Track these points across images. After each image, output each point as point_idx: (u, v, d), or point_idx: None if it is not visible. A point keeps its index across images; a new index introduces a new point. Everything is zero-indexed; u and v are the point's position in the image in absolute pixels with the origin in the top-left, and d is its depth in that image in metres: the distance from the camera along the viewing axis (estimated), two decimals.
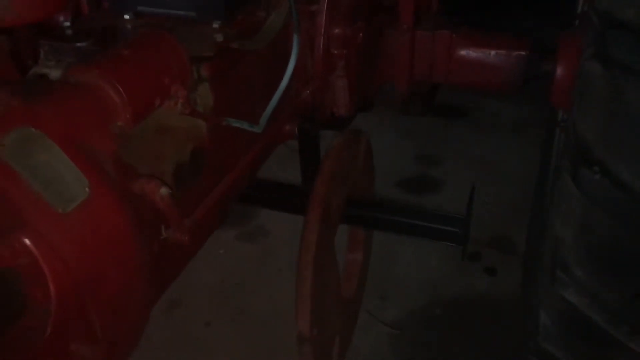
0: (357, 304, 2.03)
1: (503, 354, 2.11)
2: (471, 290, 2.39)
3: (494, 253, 2.56)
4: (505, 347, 2.12)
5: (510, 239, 2.62)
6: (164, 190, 1.06)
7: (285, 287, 1.64)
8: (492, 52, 1.94)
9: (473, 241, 2.55)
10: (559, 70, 1.81)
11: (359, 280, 2.02)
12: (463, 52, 1.98)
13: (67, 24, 1.38)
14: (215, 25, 1.40)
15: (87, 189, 0.90)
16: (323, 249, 1.56)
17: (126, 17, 1.48)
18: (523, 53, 1.91)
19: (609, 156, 1.21)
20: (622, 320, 1.32)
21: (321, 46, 1.64)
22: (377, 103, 2.24)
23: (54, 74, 1.22)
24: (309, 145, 1.75)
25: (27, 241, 0.84)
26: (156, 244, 1.10)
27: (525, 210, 2.38)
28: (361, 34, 1.74)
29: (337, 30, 1.66)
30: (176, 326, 2.28)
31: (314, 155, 1.76)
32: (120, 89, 1.03)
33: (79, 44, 1.33)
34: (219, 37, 1.36)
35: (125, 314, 0.99)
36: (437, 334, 2.22)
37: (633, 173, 1.18)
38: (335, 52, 1.67)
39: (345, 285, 1.93)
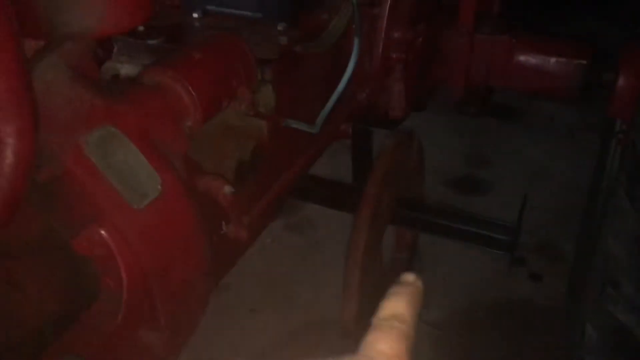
0: None
1: None
2: (514, 295, 2.38)
3: (539, 259, 2.54)
4: (548, 355, 2.12)
5: (558, 246, 2.59)
6: (227, 189, 1.12)
7: (331, 278, 1.69)
8: (552, 59, 1.92)
9: (519, 246, 2.55)
10: (621, 81, 1.78)
11: None
12: (522, 58, 1.96)
13: None
14: (280, 27, 1.44)
15: (159, 187, 0.96)
16: (371, 249, 1.59)
17: (195, 15, 1.54)
18: (584, 62, 1.88)
19: None
20: None
21: (380, 50, 1.66)
22: (430, 102, 2.25)
23: (125, 69, 1.29)
24: (361, 145, 1.78)
25: (103, 233, 0.90)
26: (216, 239, 1.16)
27: (574, 217, 2.35)
28: (421, 38, 1.75)
29: (397, 34, 1.68)
30: (222, 310, 2.36)
31: (367, 154, 1.79)
32: (192, 91, 1.08)
33: (150, 42, 1.40)
34: (284, 40, 1.40)
35: (186, 305, 1.06)
36: (478, 337, 2.23)
37: None
38: (394, 55, 1.68)
39: (389, 284, 1.96)
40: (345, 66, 1.46)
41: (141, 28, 1.43)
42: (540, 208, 2.72)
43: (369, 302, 1.65)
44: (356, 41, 1.46)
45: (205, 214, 1.10)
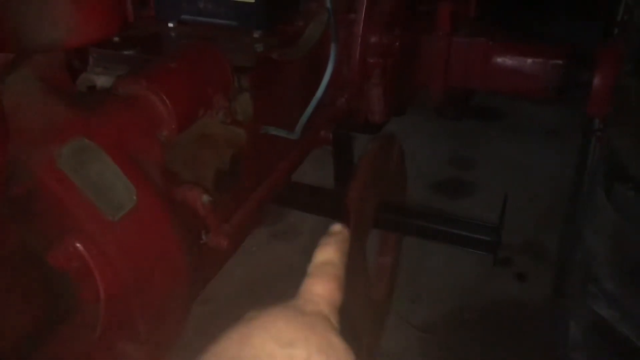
0: (387, 306, 2.05)
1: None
2: (501, 295, 2.39)
3: (525, 259, 2.55)
4: (534, 355, 2.12)
5: (543, 245, 2.61)
6: (205, 198, 1.11)
7: None
8: (529, 60, 1.94)
9: (504, 246, 2.55)
10: (597, 81, 1.80)
11: (389, 283, 2.05)
12: (499, 60, 1.98)
13: None
14: (256, 34, 1.45)
15: (134, 197, 0.96)
16: (354, 255, 1.59)
17: (170, 25, 1.54)
18: (560, 62, 1.90)
19: None
20: None
21: (357, 55, 1.66)
22: (413, 106, 2.26)
23: (101, 80, 1.29)
24: (342, 150, 1.78)
25: (79, 246, 0.89)
26: (196, 249, 1.15)
27: (558, 216, 2.37)
28: (398, 43, 1.76)
29: (374, 39, 1.68)
30: (207, 321, 2.34)
31: (348, 159, 1.80)
32: (167, 100, 1.08)
33: (126, 52, 1.40)
34: (260, 47, 1.40)
35: (166, 316, 1.05)
36: (466, 339, 2.23)
37: None
38: (372, 60, 1.69)
39: (374, 288, 1.96)
40: (324, 72, 1.46)
41: (117, 39, 1.43)
42: (524, 208, 2.74)
43: (353, 307, 1.64)
44: (333, 47, 1.47)
45: (184, 224, 1.10)
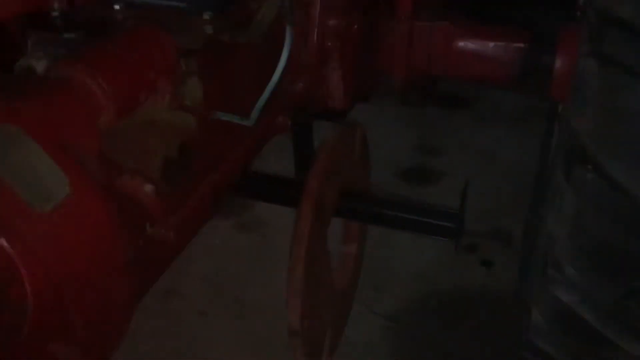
0: (351, 296, 2.02)
1: (497, 347, 2.11)
2: (467, 282, 2.39)
3: (491, 245, 2.55)
4: (500, 341, 2.12)
5: (508, 231, 2.61)
6: (148, 187, 1.05)
7: (281, 278, 1.65)
8: (491, 44, 1.92)
9: (470, 233, 2.55)
10: (558, 64, 1.78)
11: (353, 272, 2.01)
12: (461, 44, 1.95)
13: (56, 14, 1.36)
14: (206, 16, 1.38)
15: (67, 187, 0.89)
16: (315, 243, 1.55)
17: (116, 7, 1.46)
18: (522, 45, 1.88)
19: (602, 155, 1.19)
20: (613, 319, 1.31)
21: (315, 38, 1.61)
22: (377, 93, 2.22)
23: (41, 65, 1.21)
24: (302, 137, 1.74)
25: (3, 242, 0.83)
26: (141, 241, 1.09)
27: (524, 203, 2.36)
28: (356, 26, 1.71)
29: (331, 22, 1.63)
30: (171, 315, 2.29)
31: (308, 147, 1.75)
32: (104, 84, 1.01)
33: (67, 35, 1.31)
34: (209, 29, 1.34)
35: (107, 314, 0.99)
36: (432, 326, 2.22)
37: (627, 172, 1.16)
38: (330, 44, 1.64)
39: (338, 277, 1.92)
40: (280, 56, 1.41)
41: (59, 22, 1.35)
42: (491, 195, 2.74)
43: (316, 297, 1.60)
44: (288, 29, 1.41)
45: (126, 215, 1.03)
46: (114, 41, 1.11)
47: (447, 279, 2.39)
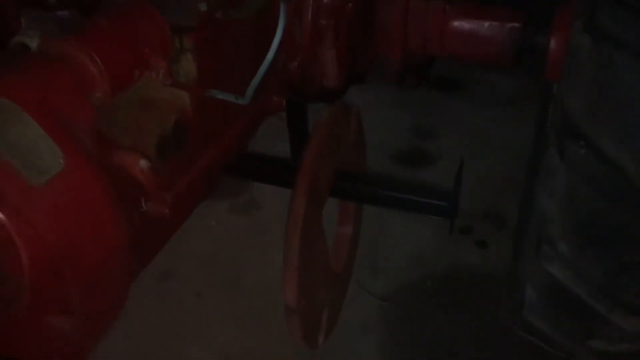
0: (347, 276, 2.04)
1: (492, 326, 2.13)
2: (462, 263, 2.40)
3: (486, 226, 2.55)
4: (495, 320, 2.14)
5: (503, 212, 2.61)
6: (143, 163, 1.05)
7: (277, 259, 1.65)
8: (486, 24, 1.91)
9: (465, 214, 2.56)
10: (553, 43, 1.78)
11: (349, 253, 2.02)
12: (457, 24, 1.95)
13: None
14: None
15: (61, 161, 0.90)
16: (310, 223, 1.56)
17: None
18: (517, 25, 1.88)
19: (595, 131, 1.20)
20: (605, 294, 1.33)
21: (309, 16, 1.61)
22: (372, 75, 2.22)
23: (35, 43, 1.20)
24: (297, 118, 1.74)
25: None
26: (137, 217, 1.10)
27: (519, 184, 2.37)
28: (351, 4, 1.71)
29: (325, 0, 1.63)
30: (167, 296, 2.29)
31: (302, 128, 1.75)
32: (98, 59, 1.01)
33: (60, 13, 1.31)
34: (203, 7, 1.33)
35: (103, 287, 1.00)
36: (426, 306, 2.23)
37: (618, 148, 1.17)
38: (324, 22, 1.64)
39: (334, 258, 1.94)
40: (274, 34, 1.40)
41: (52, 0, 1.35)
42: (485, 176, 2.74)
43: (312, 277, 1.62)
44: (282, 6, 1.40)
45: (121, 191, 1.04)
46: (107, 17, 1.11)
47: (442, 260, 2.40)
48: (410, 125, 3.11)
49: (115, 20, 1.11)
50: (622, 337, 1.38)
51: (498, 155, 2.88)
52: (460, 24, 1.94)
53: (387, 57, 2.07)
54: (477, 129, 3.05)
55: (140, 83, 1.14)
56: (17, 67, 0.95)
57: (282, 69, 1.65)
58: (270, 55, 1.40)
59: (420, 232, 2.47)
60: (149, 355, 2.10)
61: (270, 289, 2.22)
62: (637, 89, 1.10)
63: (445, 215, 1.64)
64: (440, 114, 3.18)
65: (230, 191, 2.71)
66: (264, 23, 1.50)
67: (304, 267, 1.53)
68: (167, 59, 1.16)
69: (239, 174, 1.81)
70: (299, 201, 1.52)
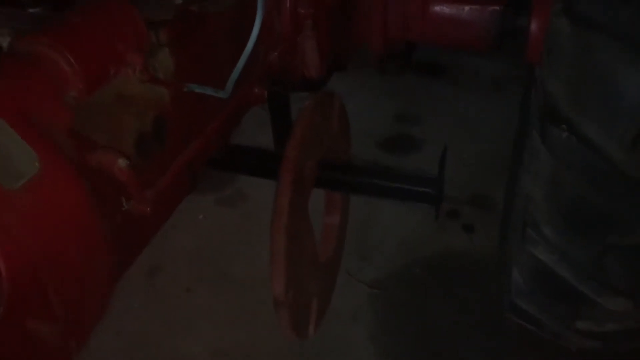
0: (336, 266, 2.03)
1: (481, 310, 2.15)
2: (450, 248, 2.41)
3: (472, 211, 2.57)
4: (484, 304, 2.15)
5: (489, 196, 2.63)
6: (121, 162, 1.04)
7: (265, 251, 1.65)
8: (466, 8, 1.90)
9: (451, 199, 2.57)
10: (533, 26, 1.78)
11: (337, 243, 2.02)
12: (437, 9, 1.94)
13: None
14: None
15: (36, 164, 0.88)
16: (296, 213, 1.55)
17: None
18: (497, 8, 1.87)
19: (576, 114, 1.20)
20: (590, 276, 1.34)
21: (288, 6, 1.59)
22: (354, 63, 2.20)
23: (6, 42, 1.18)
24: (279, 109, 1.72)
25: None
26: (119, 217, 1.08)
27: (505, 168, 2.38)
28: None
29: None
30: (156, 292, 2.29)
31: (285, 119, 1.73)
32: (70, 57, 0.99)
33: (32, 10, 1.28)
34: (178, 0, 1.31)
35: (85, 289, 0.98)
36: (416, 293, 2.24)
37: (600, 131, 1.17)
38: (303, 11, 1.62)
39: (322, 248, 1.93)
40: (253, 25, 1.38)
41: None
42: (471, 161, 2.75)
43: (300, 268, 1.61)
44: None
45: (101, 191, 1.02)
46: (80, 14, 1.08)
47: (430, 245, 2.41)
48: (395, 111, 3.10)
49: (89, 17, 1.08)
50: (608, 317, 1.40)
51: (483, 140, 2.88)
52: (441, 9, 1.93)
53: (369, 44, 2.06)
54: (461, 114, 3.05)
55: (117, 80, 1.12)
56: None
57: (262, 60, 1.63)
58: (249, 46, 1.38)
59: (408, 219, 2.47)
60: (139, 352, 2.09)
61: (259, 281, 2.22)
62: (616, 72, 1.10)
63: (430, 201, 1.64)
64: (425, 100, 3.17)
65: (216, 184, 2.70)
66: (242, 14, 1.48)
67: (290, 258, 1.52)
68: (143, 55, 1.13)
69: (223, 168, 1.80)
70: (283, 192, 1.50)
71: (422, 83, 3.28)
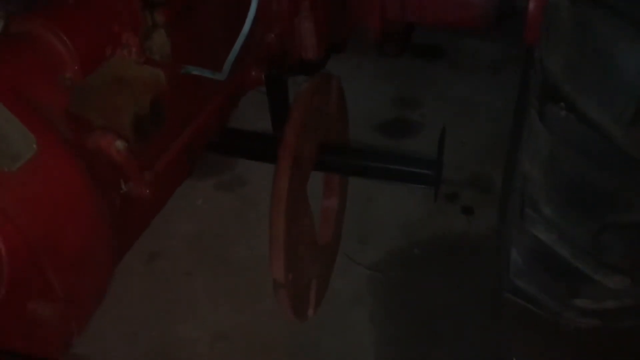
0: (335, 248, 2.04)
1: (480, 291, 2.16)
2: (449, 230, 2.41)
3: (472, 193, 2.57)
4: (483, 284, 2.16)
5: (489, 177, 2.63)
6: (119, 143, 1.03)
7: (265, 235, 1.65)
8: None
9: (451, 182, 2.57)
10: (531, 5, 1.76)
11: (336, 226, 2.02)
12: None
13: None
14: None
15: (34, 146, 0.87)
16: (295, 197, 1.55)
17: None
18: None
19: (575, 92, 1.19)
20: (589, 254, 1.34)
21: None
22: (352, 45, 2.19)
23: (0, 25, 1.17)
24: (277, 92, 1.71)
25: None
26: (117, 199, 1.08)
27: (503, 149, 2.38)
28: None
29: None
30: (156, 277, 2.29)
31: (283, 102, 1.73)
32: (66, 38, 0.98)
33: None
34: None
35: (85, 271, 0.98)
36: (416, 274, 2.25)
37: (598, 109, 1.16)
38: None
39: (321, 231, 1.94)
40: (249, 6, 1.37)
41: None
42: (470, 143, 2.75)
43: (299, 251, 1.62)
44: None
45: (99, 173, 1.02)
46: None
47: (429, 227, 2.41)
48: (393, 94, 3.09)
49: None
50: (606, 295, 1.40)
51: (482, 121, 2.88)
52: None
53: (367, 26, 2.05)
54: (460, 96, 3.05)
55: (113, 61, 1.11)
56: None
57: (259, 42, 1.61)
58: (246, 28, 1.38)
59: (408, 201, 2.48)
60: (140, 336, 2.10)
61: (259, 264, 2.22)
62: (615, 48, 1.09)
63: (429, 183, 1.64)
64: (423, 82, 3.16)
65: (215, 169, 2.70)
66: None
67: (290, 241, 1.52)
68: (139, 36, 1.12)
69: (221, 151, 1.80)
70: (282, 175, 1.50)
71: (420, 65, 3.27)
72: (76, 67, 1.00)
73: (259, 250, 2.28)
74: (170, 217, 2.39)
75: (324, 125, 1.73)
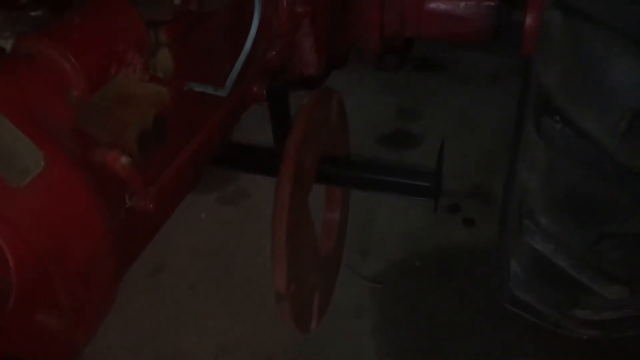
0: (337, 260, 2.06)
1: (482, 301, 2.17)
2: (450, 241, 2.43)
3: (472, 204, 2.58)
4: (484, 296, 2.17)
5: (489, 189, 2.65)
6: (124, 159, 1.06)
7: (268, 247, 1.68)
8: (462, 3, 1.92)
9: (452, 193, 2.59)
10: (528, 20, 1.80)
11: (338, 237, 2.04)
12: (433, 5, 1.96)
13: None
14: None
15: (41, 162, 0.90)
16: (297, 209, 1.57)
17: None
18: (492, 3, 1.89)
19: (569, 105, 1.22)
20: (586, 264, 1.36)
21: (285, 4, 1.61)
22: (354, 59, 2.22)
23: (9, 45, 1.20)
24: (279, 106, 1.74)
25: None
26: (122, 213, 1.11)
27: (504, 161, 2.40)
28: None
29: None
30: (160, 290, 2.31)
31: (284, 116, 1.76)
32: (72, 57, 1.01)
33: (33, 13, 1.30)
34: (178, 0, 1.33)
35: (91, 284, 1.01)
36: (417, 286, 2.26)
37: (593, 121, 1.19)
38: (300, 9, 1.64)
39: (323, 243, 1.95)
40: (251, 24, 1.40)
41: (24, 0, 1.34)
42: (471, 154, 2.77)
43: (301, 263, 1.63)
44: None
45: (104, 188, 1.05)
46: (81, 15, 1.10)
47: (430, 239, 2.43)
48: (394, 107, 3.12)
49: (89, 17, 1.10)
50: (605, 305, 1.42)
51: (482, 133, 2.90)
52: (437, 5, 1.95)
53: (366, 41, 2.08)
54: (460, 108, 3.07)
55: (118, 80, 1.15)
56: None
57: (261, 58, 1.65)
58: (247, 45, 1.41)
59: (409, 213, 2.49)
60: (145, 349, 2.12)
61: (262, 277, 2.24)
62: (607, 62, 1.12)
63: (429, 195, 1.66)
64: (423, 95, 3.19)
65: (218, 182, 2.73)
66: (240, 13, 1.50)
67: (292, 253, 1.54)
68: (143, 54, 1.16)
69: (224, 165, 1.82)
70: (284, 188, 1.53)
71: (420, 78, 3.30)
72: (82, 86, 1.03)
73: (262, 263, 2.29)
74: (174, 231, 2.41)
75: (325, 139, 1.75)
